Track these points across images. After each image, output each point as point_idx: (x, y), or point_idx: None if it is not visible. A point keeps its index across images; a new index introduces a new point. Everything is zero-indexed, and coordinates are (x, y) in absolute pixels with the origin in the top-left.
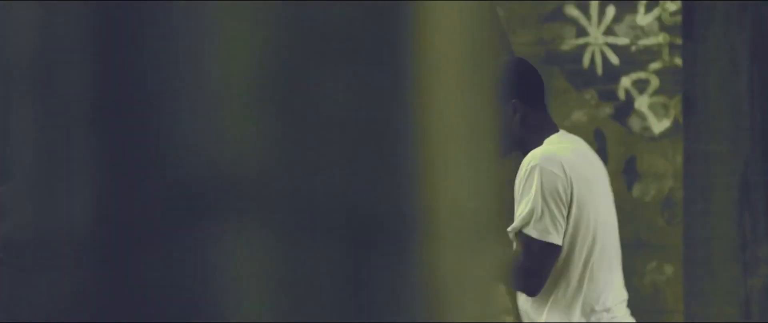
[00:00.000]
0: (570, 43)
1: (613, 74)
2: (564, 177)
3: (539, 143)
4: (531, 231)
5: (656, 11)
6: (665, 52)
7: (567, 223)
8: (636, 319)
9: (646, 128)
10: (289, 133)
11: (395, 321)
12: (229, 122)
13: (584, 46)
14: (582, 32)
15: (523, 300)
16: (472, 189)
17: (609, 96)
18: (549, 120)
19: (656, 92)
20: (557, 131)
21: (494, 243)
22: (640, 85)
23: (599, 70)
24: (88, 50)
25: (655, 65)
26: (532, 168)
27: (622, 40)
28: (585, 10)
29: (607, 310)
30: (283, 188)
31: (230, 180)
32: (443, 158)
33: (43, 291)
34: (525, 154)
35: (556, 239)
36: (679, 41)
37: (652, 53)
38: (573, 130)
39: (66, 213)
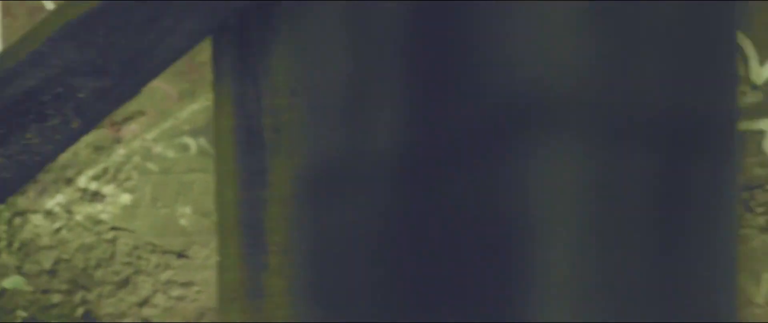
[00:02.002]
0: None
1: None
2: None
3: None
4: None
5: None
6: None
7: None
8: None
9: None
10: (609, 46)
11: (717, 231)
12: (552, 38)
13: None
14: None
15: None
16: None
17: None
18: None
19: None
20: None
21: None
22: None
23: None
24: None
25: None
26: None
27: None
28: None
29: None
30: (601, 100)
31: (548, 95)
32: None
33: (356, 213)
34: None
35: None
36: None
37: None
38: None
39: (379, 134)
